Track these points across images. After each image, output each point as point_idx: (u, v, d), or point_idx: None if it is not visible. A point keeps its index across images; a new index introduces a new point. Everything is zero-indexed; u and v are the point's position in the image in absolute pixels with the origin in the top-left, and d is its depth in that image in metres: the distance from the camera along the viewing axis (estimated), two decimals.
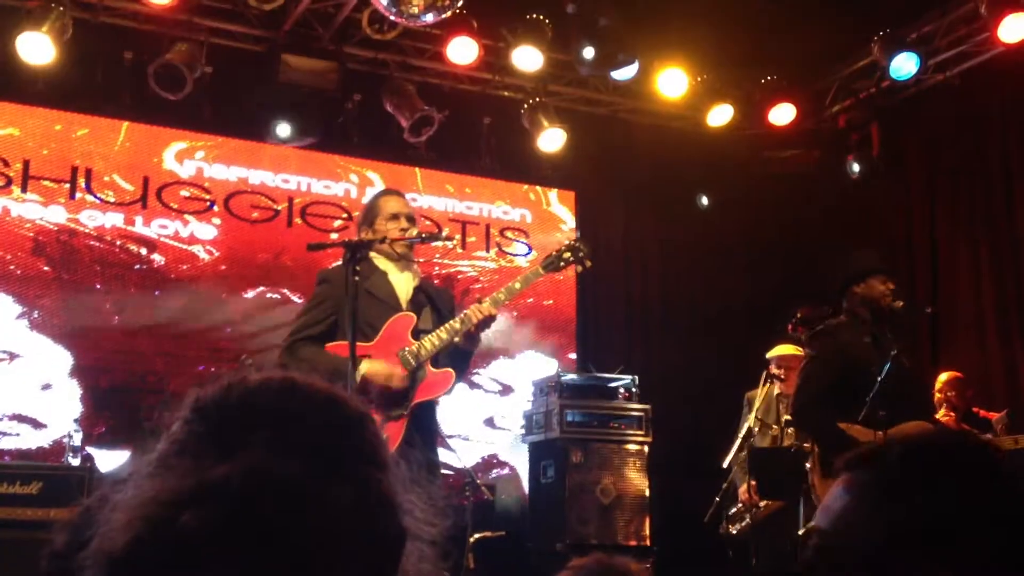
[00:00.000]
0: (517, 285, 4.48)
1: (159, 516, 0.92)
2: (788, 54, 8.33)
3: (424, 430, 4.26)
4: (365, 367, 4.14)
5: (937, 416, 6.89)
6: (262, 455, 0.96)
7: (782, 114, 8.62)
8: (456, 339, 4.30)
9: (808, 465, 5.20)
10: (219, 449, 0.98)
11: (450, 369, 4.36)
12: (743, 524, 6.57)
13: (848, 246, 7.04)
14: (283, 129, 7.68)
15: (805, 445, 5.75)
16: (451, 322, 4.33)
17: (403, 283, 4.47)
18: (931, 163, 8.70)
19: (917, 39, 7.88)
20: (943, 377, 7.36)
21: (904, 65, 7.72)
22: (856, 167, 8.58)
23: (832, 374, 5.06)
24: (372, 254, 4.43)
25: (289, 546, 0.93)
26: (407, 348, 4.29)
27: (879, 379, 4.79)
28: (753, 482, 6.06)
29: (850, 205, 9.24)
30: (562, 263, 4.67)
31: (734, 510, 6.69)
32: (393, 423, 4.17)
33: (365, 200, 8.06)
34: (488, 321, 4.29)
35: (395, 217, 4.48)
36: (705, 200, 9.35)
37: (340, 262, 4.27)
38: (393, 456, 1.09)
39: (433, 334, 4.32)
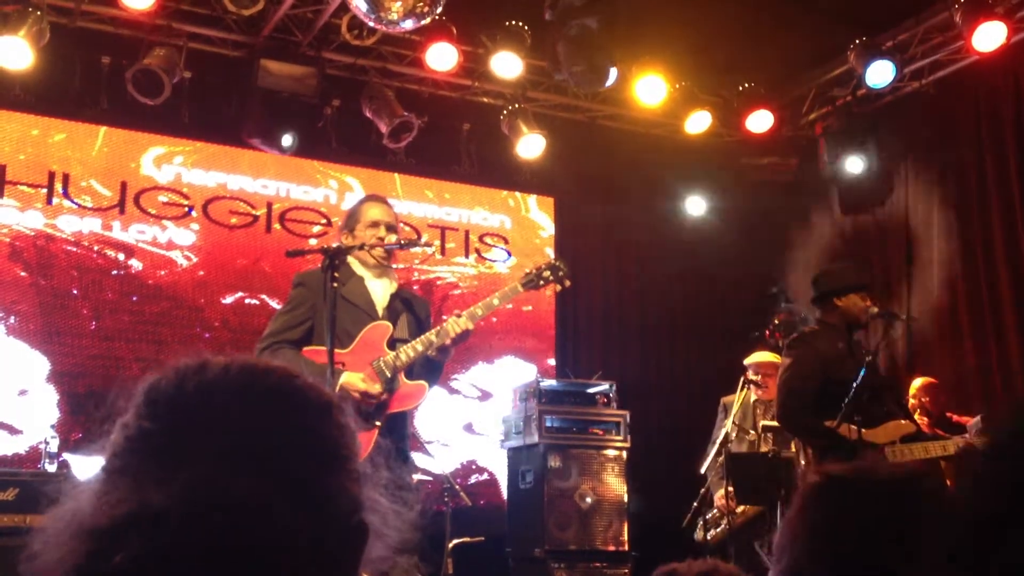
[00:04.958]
0: (495, 300, 4.52)
1: (93, 551, 0.87)
2: (765, 62, 8.39)
3: (395, 439, 4.27)
4: (344, 378, 4.15)
5: None
6: (209, 470, 0.90)
7: (760, 121, 8.67)
8: (430, 351, 4.32)
9: (803, 463, 5.23)
10: (166, 459, 0.92)
11: (423, 382, 4.38)
12: (718, 530, 6.60)
13: (825, 253, 7.11)
14: (286, 140, 7.62)
15: (788, 450, 5.80)
16: (428, 334, 4.35)
17: (380, 289, 4.48)
18: (906, 170, 8.77)
19: (893, 47, 7.96)
20: (917, 383, 7.42)
21: (880, 73, 7.79)
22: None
23: (813, 380, 5.15)
24: (350, 259, 4.43)
25: (235, 567, 0.88)
26: (382, 358, 4.29)
27: (854, 385, 4.86)
28: (730, 487, 6.09)
29: (827, 212, 9.31)
30: (541, 282, 4.70)
31: (709, 516, 6.72)
32: (364, 432, 4.18)
33: (344, 206, 8.11)
34: (464, 335, 4.33)
35: (374, 224, 4.49)
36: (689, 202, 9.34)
37: (319, 267, 4.29)
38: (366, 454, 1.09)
39: (409, 345, 4.33)
